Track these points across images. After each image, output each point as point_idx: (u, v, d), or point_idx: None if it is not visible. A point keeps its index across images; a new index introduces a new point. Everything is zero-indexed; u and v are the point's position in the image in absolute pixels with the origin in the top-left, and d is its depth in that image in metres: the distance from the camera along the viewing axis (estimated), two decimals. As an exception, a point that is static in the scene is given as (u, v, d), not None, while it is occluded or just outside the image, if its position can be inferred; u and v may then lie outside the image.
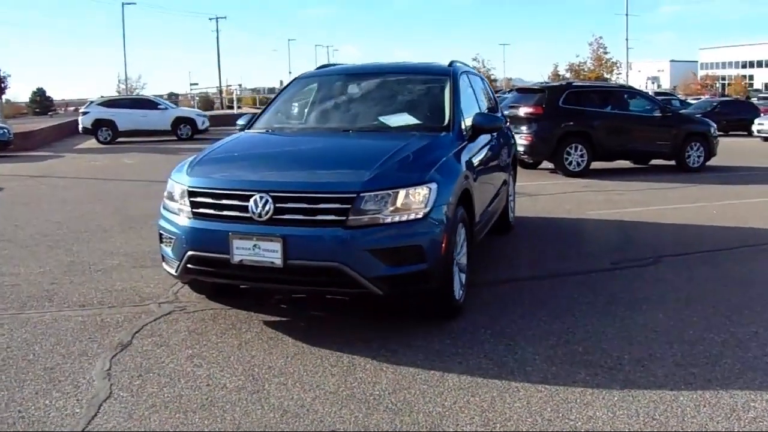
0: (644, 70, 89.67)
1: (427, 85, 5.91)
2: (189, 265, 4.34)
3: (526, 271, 6.18)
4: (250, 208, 4.11)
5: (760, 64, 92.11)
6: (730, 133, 26.23)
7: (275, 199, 4.08)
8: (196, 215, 4.32)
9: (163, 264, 4.71)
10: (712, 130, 14.57)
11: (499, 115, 7.05)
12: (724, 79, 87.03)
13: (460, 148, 4.98)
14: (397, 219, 4.09)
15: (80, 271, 6.00)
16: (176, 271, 4.47)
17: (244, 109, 52.05)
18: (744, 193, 11.03)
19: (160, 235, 4.62)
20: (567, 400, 3.51)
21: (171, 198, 4.57)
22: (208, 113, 31.64)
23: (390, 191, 4.08)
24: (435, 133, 5.08)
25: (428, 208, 4.16)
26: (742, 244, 7.20)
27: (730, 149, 18.34)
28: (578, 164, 13.21)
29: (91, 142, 24.17)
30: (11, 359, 3.99)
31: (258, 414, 3.33)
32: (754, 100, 38.33)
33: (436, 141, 4.84)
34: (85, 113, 24.54)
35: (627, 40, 52.76)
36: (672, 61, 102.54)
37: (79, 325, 4.56)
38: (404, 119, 5.36)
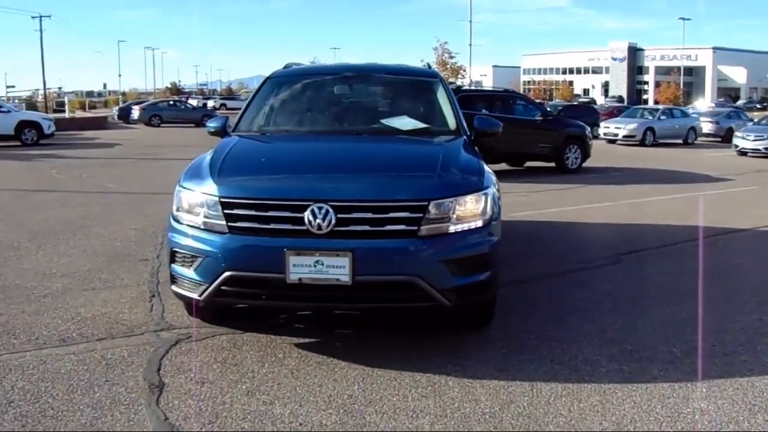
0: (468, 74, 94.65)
1: (418, 87, 5.68)
2: (224, 288, 3.75)
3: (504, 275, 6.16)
4: (306, 219, 3.64)
5: (579, 70, 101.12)
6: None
7: (337, 209, 3.65)
8: (235, 230, 3.73)
9: (174, 287, 4.05)
10: (588, 133, 15.70)
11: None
12: (544, 83, 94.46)
13: (478, 152, 4.83)
14: (464, 227, 3.85)
15: (23, 298, 5.03)
16: (201, 295, 3.85)
17: (79, 114, 47.99)
18: (637, 193, 11.97)
19: (174, 253, 3.97)
20: (668, 396, 3.54)
21: (189, 210, 3.94)
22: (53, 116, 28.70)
23: (457, 198, 3.85)
24: (449, 137, 4.90)
25: (488, 215, 3.97)
26: (679, 240, 7.72)
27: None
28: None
29: None
30: (29, 418, 3.19)
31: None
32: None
33: (463, 146, 4.64)
34: None
35: (470, 45, 55.53)
36: (495, 66, 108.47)
37: (80, 366, 3.77)
38: (407, 123, 5.10)
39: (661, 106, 31.65)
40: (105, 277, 5.73)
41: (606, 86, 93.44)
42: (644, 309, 5.04)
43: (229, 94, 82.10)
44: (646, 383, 3.70)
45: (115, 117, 42.31)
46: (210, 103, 51.32)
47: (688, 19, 75.67)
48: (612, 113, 32.30)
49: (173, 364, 3.83)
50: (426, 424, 3.21)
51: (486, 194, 4.01)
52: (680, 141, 26.69)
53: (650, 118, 26.77)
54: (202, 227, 3.84)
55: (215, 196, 3.80)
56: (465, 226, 3.86)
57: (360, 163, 4.32)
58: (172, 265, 3.99)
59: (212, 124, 5.34)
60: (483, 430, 3.16)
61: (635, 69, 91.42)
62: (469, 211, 3.89)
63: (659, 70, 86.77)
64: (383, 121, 5.12)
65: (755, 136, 20.64)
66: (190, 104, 42.95)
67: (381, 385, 3.61)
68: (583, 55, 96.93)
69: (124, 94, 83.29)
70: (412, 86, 5.70)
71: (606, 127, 26.16)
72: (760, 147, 20.19)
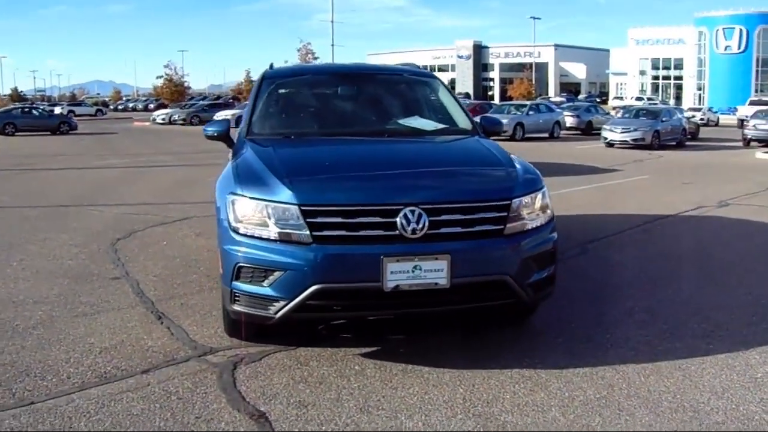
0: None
1: (421, 87, 5.61)
2: (311, 302, 3.48)
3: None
4: (399, 224, 3.48)
5: (425, 69, 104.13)
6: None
7: (429, 212, 3.52)
8: (321, 239, 3.47)
9: (235, 306, 3.69)
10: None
11: None
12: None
13: None
14: (536, 224, 3.90)
15: (10, 332, 4.34)
16: (277, 312, 3.55)
17: None
18: (560, 184, 12.44)
19: (240, 269, 3.62)
20: (735, 363, 3.83)
21: (254, 221, 3.60)
22: None
23: (531, 196, 3.90)
24: (472, 136, 4.89)
25: (550, 211, 4.05)
26: (623, 228, 8.22)
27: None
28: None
29: None
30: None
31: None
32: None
33: (495, 145, 4.65)
34: None
35: (333, 45, 55.66)
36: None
37: (150, 405, 3.31)
38: (426, 123, 5.03)
39: (528, 102, 33.53)
40: (86, 300, 5.11)
41: (453, 84, 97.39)
42: (642, 293, 5.34)
43: (73, 101, 76.74)
44: (706, 356, 3.99)
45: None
46: (57, 110, 47.26)
47: (538, 18, 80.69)
48: (476, 110, 33.76)
49: (253, 390, 3.50)
50: (558, 416, 3.24)
51: (545, 191, 4.06)
52: (546, 135, 28.45)
53: (519, 113, 28.28)
54: (277, 239, 3.53)
55: (293, 204, 3.51)
56: (537, 223, 3.91)
57: (432, 164, 4.21)
58: (235, 282, 3.64)
59: (213, 128, 4.96)
60: (610, 414, 3.23)
61: (480, 66, 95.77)
62: (537, 207, 3.93)
63: (503, 67, 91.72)
64: (401, 121, 5.00)
65: (623, 129, 22.53)
66: (47, 111, 39.14)
67: (483, 386, 3.57)
68: (429, 53, 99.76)
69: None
70: (415, 86, 5.63)
71: (484, 122, 27.25)
72: (628, 138, 22.09)
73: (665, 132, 23.14)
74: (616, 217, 9.02)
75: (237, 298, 3.67)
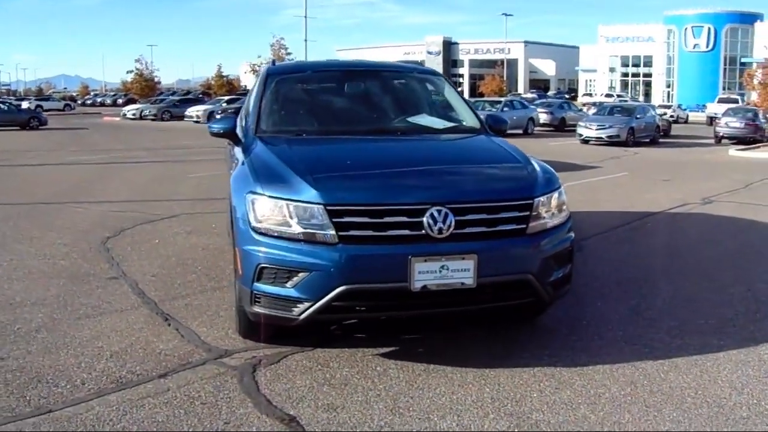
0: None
1: (427, 84, 5.59)
2: (337, 303, 3.43)
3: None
4: (426, 224, 3.45)
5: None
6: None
7: (455, 212, 3.49)
8: (347, 239, 3.41)
9: (256, 308, 3.62)
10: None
11: None
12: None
13: None
14: (555, 223, 3.90)
15: (12, 336, 4.18)
16: (301, 314, 3.49)
17: None
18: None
19: (262, 270, 3.54)
20: (750, 359, 3.89)
21: (276, 220, 3.52)
22: None
23: (550, 194, 3.90)
24: (480, 134, 4.87)
25: (566, 209, 4.05)
26: (614, 225, 8.29)
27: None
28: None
29: None
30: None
31: None
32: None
33: (509, 144, 4.65)
34: None
35: (306, 41, 55.18)
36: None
37: (175, 410, 3.22)
38: (435, 121, 5.01)
39: (503, 99, 33.75)
40: (87, 301, 4.97)
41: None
42: (644, 291, 5.40)
43: (40, 95, 75.05)
44: (719, 352, 4.05)
45: None
46: (24, 104, 46.07)
47: (510, 15, 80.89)
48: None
49: (278, 393, 3.44)
50: (588, 413, 3.26)
51: (562, 190, 4.07)
52: (521, 131, 28.65)
53: (493, 110, 28.41)
54: (301, 239, 3.47)
55: (318, 203, 3.45)
56: (556, 222, 3.91)
57: (454, 163, 4.19)
58: (256, 283, 3.56)
59: (219, 125, 4.84)
60: (638, 411, 3.25)
61: (450, 62, 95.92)
62: (556, 206, 3.94)
63: (473, 63, 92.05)
64: (410, 119, 4.97)
65: (597, 126, 22.81)
66: (15, 105, 38.01)
67: (508, 385, 3.57)
68: (399, 49, 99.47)
69: None
70: (421, 83, 5.60)
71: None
72: (603, 135, 22.37)
73: (639, 129, 23.49)
74: (604, 214, 9.10)
75: (258, 300, 3.60)
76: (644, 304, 5.00)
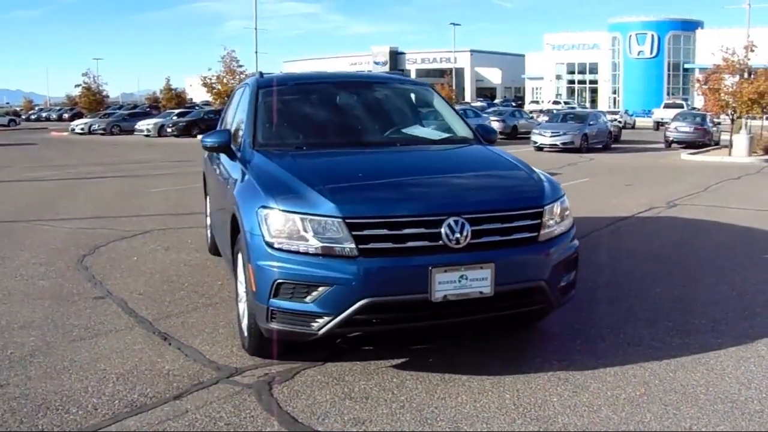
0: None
1: (418, 96, 5.62)
2: (358, 317, 3.41)
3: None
4: (443, 234, 3.46)
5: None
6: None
7: (471, 222, 3.52)
8: (367, 252, 3.40)
9: (273, 324, 3.57)
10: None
11: None
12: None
13: None
14: (562, 230, 3.99)
15: (7, 361, 4.01)
16: (321, 329, 3.45)
17: None
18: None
19: (279, 286, 3.49)
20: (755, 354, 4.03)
21: (293, 234, 3.48)
22: None
23: (557, 202, 3.99)
24: (474, 144, 4.93)
25: (571, 217, 4.13)
26: (588, 230, 8.40)
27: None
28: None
29: None
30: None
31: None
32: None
33: (507, 153, 4.72)
34: None
35: (256, 53, 54.76)
36: (260, 72, 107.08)
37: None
38: (430, 132, 5.07)
39: (456, 108, 34.09)
40: (78, 323, 4.81)
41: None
42: (634, 293, 5.55)
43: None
44: (719, 350, 4.20)
45: None
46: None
47: (458, 24, 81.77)
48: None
49: (301, 410, 3.38)
50: (611, 414, 3.32)
51: (565, 197, 4.15)
52: (476, 140, 28.92)
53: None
54: (319, 252, 3.44)
55: (336, 217, 3.43)
56: (562, 229, 4.00)
57: (463, 174, 4.22)
58: (273, 299, 3.51)
59: (212, 139, 4.77)
60: (658, 410, 3.33)
61: (397, 72, 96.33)
62: (561, 214, 4.02)
63: (420, 73, 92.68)
64: (405, 130, 5.01)
65: (552, 133, 23.28)
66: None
67: (527, 390, 3.62)
68: (346, 60, 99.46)
69: None
70: (411, 94, 5.63)
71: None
72: (558, 142, 22.85)
73: (593, 135, 24.07)
74: (576, 219, 9.22)
75: (274, 316, 3.55)
76: (637, 306, 5.13)
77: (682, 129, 24.85)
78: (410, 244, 3.45)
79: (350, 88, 5.48)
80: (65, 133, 40.89)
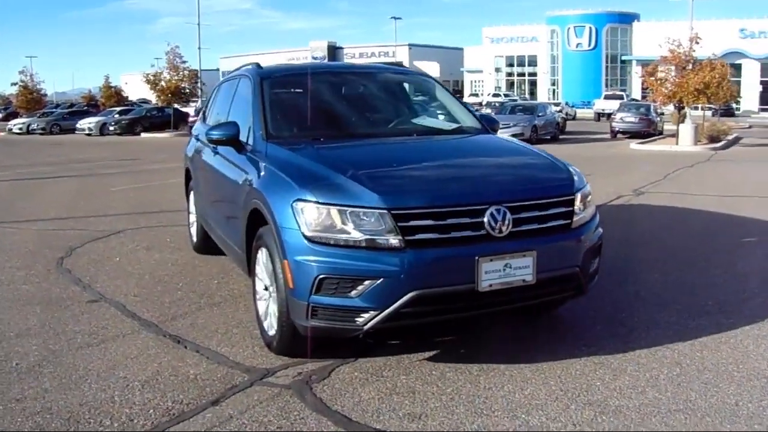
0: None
1: (421, 86, 5.58)
2: (405, 310, 3.33)
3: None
4: (486, 223, 3.43)
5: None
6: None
7: (512, 210, 3.50)
8: (414, 243, 3.32)
9: (314, 321, 3.45)
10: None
11: None
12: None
13: None
14: (588, 217, 4.01)
15: (14, 373, 3.74)
16: (366, 323, 3.36)
17: None
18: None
19: (322, 281, 3.38)
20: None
21: (333, 227, 3.37)
22: None
23: (584, 190, 4.02)
24: (488, 133, 4.94)
25: (592, 203, 4.17)
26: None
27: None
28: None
29: None
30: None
31: None
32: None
33: (523, 143, 4.74)
34: None
35: (200, 49, 53.61)
36: (202, 70, 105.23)
37: None
38: (440, 122, 5.04)
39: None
40: (78, 328, 4.55)
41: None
42: (634, 278, 5.67)
43: None
44: (734, 329, 4.32)
45: None
46: None
47: (399, 18, 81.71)
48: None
49: (351, 408, 3.29)
50: (657, 395, 3.36)
51: (588, 185, 4.19)
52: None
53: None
54: (363, 245, 3.34)
55: (381, 208, 3.34)
56: (589, 215, 4.02)
57: (494, 162, 4.19)
58: (314, 296, 3.39)
59: (220, 132, 4.57)
60: (699, 388, 3.39)
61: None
62: (587, 201, 4.05)
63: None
64: (415, 120, 4.97)
65: (502, 125, 23.45)
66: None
67: (568, 376, 3.63)
68: (284, 55, 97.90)
69: None
70: (414, 85, 5.58)
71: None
72: (507, 134, 23.12)
73: (542, 126, 24.57)
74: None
75: (315, 313, 3.44)
76: (643, 291, 5.23)
77: (627, 119, 25.62)
78: (454, 234, 3.41)
79: (356, 79, 5.38)
80: (2, 133, 39.00)
